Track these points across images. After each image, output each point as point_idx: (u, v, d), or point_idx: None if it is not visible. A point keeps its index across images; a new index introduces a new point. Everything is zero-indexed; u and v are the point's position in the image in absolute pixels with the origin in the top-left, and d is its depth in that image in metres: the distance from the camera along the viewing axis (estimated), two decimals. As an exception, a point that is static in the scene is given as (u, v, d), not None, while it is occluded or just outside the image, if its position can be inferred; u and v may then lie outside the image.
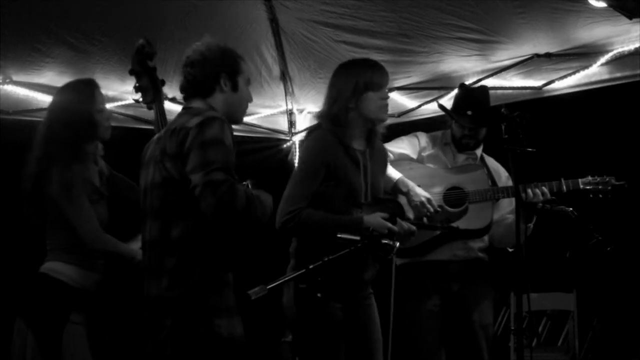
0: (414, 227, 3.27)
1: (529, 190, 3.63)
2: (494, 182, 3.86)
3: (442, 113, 4.03)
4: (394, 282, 3.26)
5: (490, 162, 3.98)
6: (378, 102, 3.28)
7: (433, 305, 3.74)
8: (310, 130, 3.41)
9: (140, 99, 3.17)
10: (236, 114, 2.96)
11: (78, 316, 3.12)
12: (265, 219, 2.81)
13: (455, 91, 4.19)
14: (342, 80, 3.33)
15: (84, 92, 3.28)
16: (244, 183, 2.91)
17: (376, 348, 3.28)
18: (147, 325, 2.78)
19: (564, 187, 3.70)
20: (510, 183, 3.76)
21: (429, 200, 3.64)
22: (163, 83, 3.17)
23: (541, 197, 3.64)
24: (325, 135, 3.28)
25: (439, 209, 3.67)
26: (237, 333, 2.75)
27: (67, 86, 3.39)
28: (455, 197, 3.77)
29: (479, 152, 3.95)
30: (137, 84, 3.13)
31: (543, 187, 3.66)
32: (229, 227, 2.73)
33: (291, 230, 3.19)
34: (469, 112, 3.76)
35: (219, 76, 2.89)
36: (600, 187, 3.70)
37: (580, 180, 3.72)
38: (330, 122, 3.30)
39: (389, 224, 3.15)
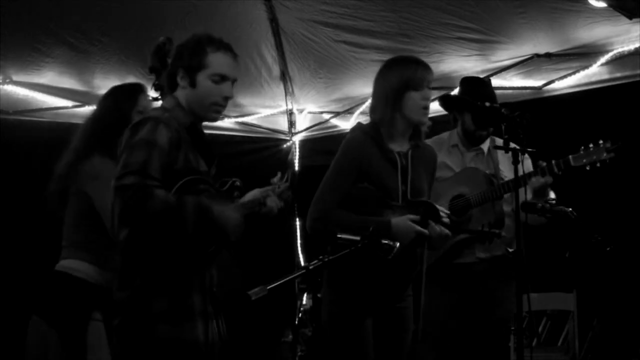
0: (447, 231, 3.14)
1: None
2: (497, 175, 3.82)
3: (443, 113, 4.00)
4: (424, 282, 3.17)
5: (499, 153, 3.83)
6: (420, 103, 3.18)
7: (448, 302, 3.73)
8: (352, 129, 3.31)
9: (160, 97, 3.14)
10: (199, 110, 2.81)
11: (98, 314, 3.15)
12: (231, 234, 2.68)
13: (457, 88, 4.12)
14: (384, 78, 3.22)
15: (127, 93, 3.38)
16: (233, 180, 2.87)
17: (401, 348, 3.23)
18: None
19: (555, 168, 3.56)
20: (527, 164, 3.60)
21: None
22: None
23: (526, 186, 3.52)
24: (359, 136, 3.21)
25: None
26: (187, 337, 2.65)
27: (113, 87, 3.50)
28: (460, 205, 3.74)
29: (485, 146, 3.90)
30: (156, 82, 3.10)
31: (532, 178, 3.54)
32: (154, 233, 2.59)
33: (320, 232, 3.12)
34: (487, 104, 3.64)
35: (177, 71, 2.81)
36: (594, 157, 3.52)
37: (571, 156, 3.56)
38: (372, 122, 3.24)
39: (418, 227, 3.06)
